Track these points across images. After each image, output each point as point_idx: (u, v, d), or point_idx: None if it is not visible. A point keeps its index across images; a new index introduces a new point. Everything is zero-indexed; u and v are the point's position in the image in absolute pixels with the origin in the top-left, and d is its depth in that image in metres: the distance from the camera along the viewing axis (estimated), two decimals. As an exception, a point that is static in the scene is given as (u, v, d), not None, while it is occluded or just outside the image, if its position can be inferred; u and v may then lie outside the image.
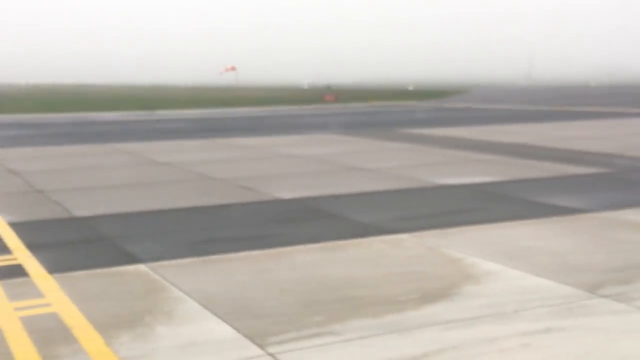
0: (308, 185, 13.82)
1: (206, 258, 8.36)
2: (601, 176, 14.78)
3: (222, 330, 5.99)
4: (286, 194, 12.73)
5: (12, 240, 9.33)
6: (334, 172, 15.80)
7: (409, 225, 9.98)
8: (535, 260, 8.03)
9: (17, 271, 7.85)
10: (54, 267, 7.94)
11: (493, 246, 8.71)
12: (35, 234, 9.76)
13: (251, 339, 5.76)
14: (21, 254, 8.63)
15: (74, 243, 9.34)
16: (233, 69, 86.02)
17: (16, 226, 10.21)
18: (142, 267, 7.96)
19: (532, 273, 7.53)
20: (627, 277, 7.35)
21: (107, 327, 6.02)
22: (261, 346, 5.60)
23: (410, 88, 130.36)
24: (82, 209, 11.48)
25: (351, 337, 5.79)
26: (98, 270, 7.86)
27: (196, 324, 6.14)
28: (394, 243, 8.98)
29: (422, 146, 21.07)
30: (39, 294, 6.98)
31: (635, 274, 7.44)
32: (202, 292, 7.01)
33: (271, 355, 5.44)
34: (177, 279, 7.47)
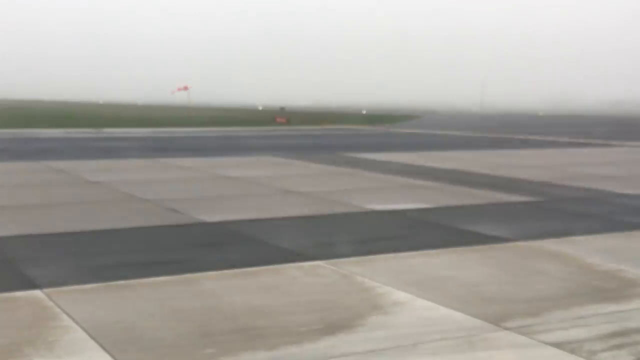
0: (236, 209, 13.53)
1: (110, 284, 8.00)
2: (531, 204, 14.84)
3: (102, 363, 5.66)
4: (211, 217, 12.42)
5: None
6: (266, 196, 15.54)
7: (328, 252, 9.77)
8: (448, 291, 7.89)
9: None
10: (-58, 292, 7.49)
11: (408, 275, 8.54)
12: None
13: (131, 372, 5.44)
14: None
15: (-26, 266, 8.87)
16: (185, 88, 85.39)
17: None
18: (37, 293, 7.56)
19: (441, 304, 7.37)
20: (535, 309, 7.25)
21: (-21, 359, 5.63)
22: (140, 381, 5.28)
23: (364, 112, 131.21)
24: (-8, 230, 10.97)
25: (238, 371, 5.51)
26: (-11, 296, 7.43)
27: (77, 356, 5.79)
28: (308, 270, 8.75)
29: (361, 171, 20.97)
30: None
31: (543, 306, 7.34)
32: (94, 320, 6.66)
33: (148, 391, 5.13)
34: (71, 306, 7.10)
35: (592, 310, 7.23)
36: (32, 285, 7.88)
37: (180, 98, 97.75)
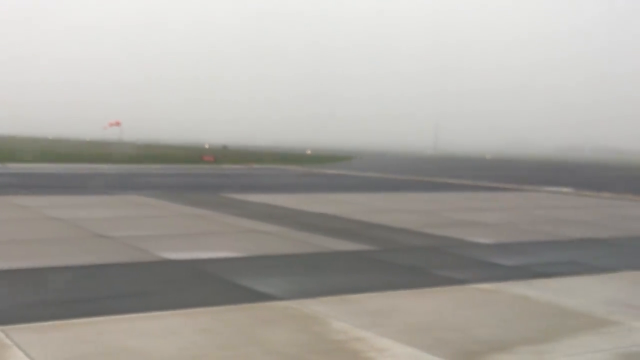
0: (5, 256, 11.73)
1: None
2: (357, 254, 13.35)
3: None
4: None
5: None
6: (65, 241, 13.78)
7: (37, 314, 8.05)
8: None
9: None
10: None
11: (92, 345, 6.87)
12: None
13: None
14: None
15: None
16: (117, 123, 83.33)
17: None
18: None
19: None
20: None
21: None
22: None
23: (308, 152, 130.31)
24: None
25: None
26: None
27: None
28: (-33, 339, 7.01)
29: (218, 213, 19.35)
30: None
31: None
32: None
33: None
34: None
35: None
36: None
37: (112, 134, 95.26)
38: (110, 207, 20.24)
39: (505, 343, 7.59)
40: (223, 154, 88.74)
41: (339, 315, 8.45)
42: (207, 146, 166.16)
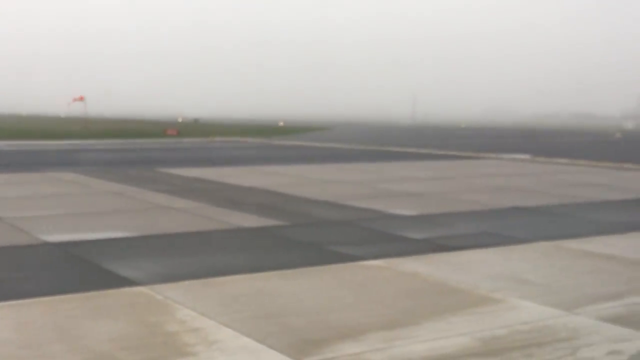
0: None
1: None
2: (261, 231, 12.59)
3: None
4: None
5: None
6: (-51, 223, 12.87)
7: None
8: None
9: None
10: None
11: None
12: None
13: None
14: None
15: None
16: (81, 99, 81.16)
17: None
18: None
19: None
20: None
21: None
22: None
23: (281, 124, 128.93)
24: None
25: None
26: None
27: None
28: None
29: (139, 190, 18.50)
30: None
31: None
32: None
33: None
34: None
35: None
36: None
37: (77, 110, 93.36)
38: (27, 184, 19.29)
39: (357, 329, 6.90)
40: (192, 128, 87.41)
41: (191, 302, 7.71)
42: (180, 120, 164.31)
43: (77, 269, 9.47)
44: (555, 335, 6.83)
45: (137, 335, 6.60)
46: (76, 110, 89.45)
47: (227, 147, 44.55)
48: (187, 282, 8.60)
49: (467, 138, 71.54)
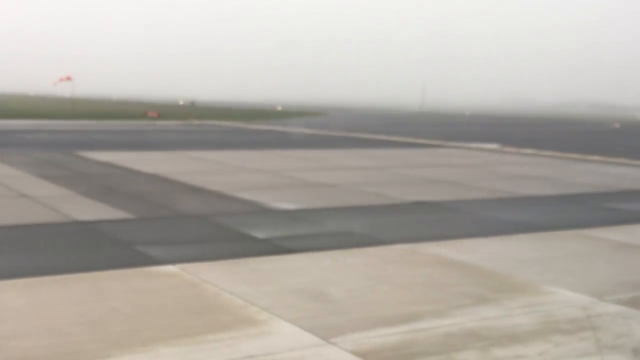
0: None
1: None
2: (90, 226, 11.12)
3: None
4: None
5: None
6: None
7: None
8: None
9: None
10: None
11: None
12: None
13: None
14: None
15: None
16: (68, 79, 79.55)
17: None
18: None
19: None
20: None
21: None
22: None
23: (279, 108, 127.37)
24: None
25: None
26: None
27: None
28: None
29: (28, 175, 17.13)
30: None
31: None
32: None
33: None
34: None
35: None
36: None
37: (64, 89, 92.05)
38: None
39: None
40: (182, 110, 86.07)
41: None
42: (181, 102, 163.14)
43: None
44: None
45: None
46: (64, 90, 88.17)
47: (191, 130, 43.06)
48: None
49: (454, 126, 69.60)
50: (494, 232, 11.51)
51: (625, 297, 7.83)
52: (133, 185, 15.96)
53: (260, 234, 10.87)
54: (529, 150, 32.30)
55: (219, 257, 9.19)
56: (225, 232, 10.99)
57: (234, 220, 11.89)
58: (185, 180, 16.91)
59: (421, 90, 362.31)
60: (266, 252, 9.59)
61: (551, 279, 8.50)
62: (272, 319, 6.69)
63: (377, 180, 18.52)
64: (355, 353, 5.88)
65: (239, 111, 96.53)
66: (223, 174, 18.77)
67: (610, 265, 9.39)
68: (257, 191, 15.49)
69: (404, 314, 6.94)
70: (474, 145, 35.60)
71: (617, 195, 17.04)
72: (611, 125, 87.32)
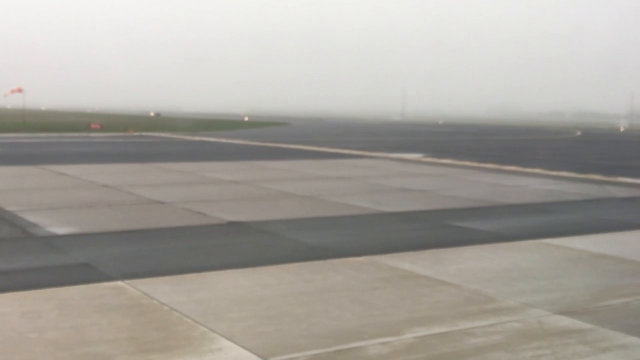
0: None
1: None
2: None
3: None
4: None
5: None
6: None
7: None
8: None
9: None
10: None
11: None
12: None
13: None
14: None
15: None
16: (19, 90, 77.79)
17: None
18: None
19: None
20: None
21: None
22: None
23: (246, 119, 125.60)
24: None
25: None
26: None
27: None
28: None
29: None
30: None
31: None
32: None
33: None
34: None
35: None
36: None
37: (15, 101, 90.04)
38: None
39: None
40: (138, 123, 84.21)
41: None
42: (152, 114, 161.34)
43: None
44: None
45: None
46: (15, 102, 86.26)
47: (113, 142, 41.23)
48: None
49: (407, 135, 68.03)
50: (264, 261, 9.76)
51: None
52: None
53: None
54: (447, 161, 30.74)
55: None
56: None
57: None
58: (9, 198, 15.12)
59: (402, 99, 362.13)
60: None
61: (224, 330, 6.78)
62: None
63: (220, 195, 16.85)
64: None
65: (199, 122, 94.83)
66: (49, 190, 16.99)
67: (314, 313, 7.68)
68: (45, 211, 13.71)
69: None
70: (394, 155, 34.01)
71: (473, 212, 15.40)
72: (574, 133, 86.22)
